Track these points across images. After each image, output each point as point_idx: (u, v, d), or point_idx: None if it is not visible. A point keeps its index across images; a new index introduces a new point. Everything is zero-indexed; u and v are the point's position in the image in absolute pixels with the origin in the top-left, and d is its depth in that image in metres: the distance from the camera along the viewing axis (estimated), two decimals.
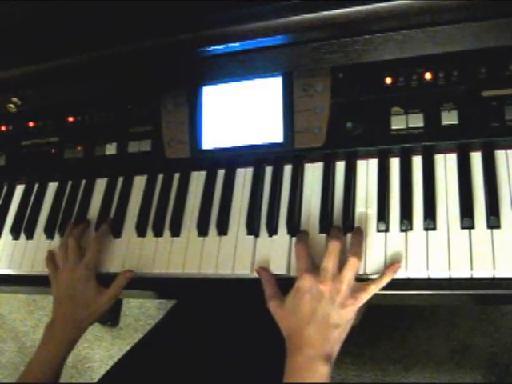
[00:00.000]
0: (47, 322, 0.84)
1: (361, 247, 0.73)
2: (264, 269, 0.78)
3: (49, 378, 0.79)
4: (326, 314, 0.68)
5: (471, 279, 0.70)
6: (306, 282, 0.70)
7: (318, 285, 0.69)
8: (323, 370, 0.66)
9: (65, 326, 0.82)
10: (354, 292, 0.70)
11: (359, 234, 0.75)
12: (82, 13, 0.87)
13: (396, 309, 1.42)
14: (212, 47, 0.80)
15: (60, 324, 0.83)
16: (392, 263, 0.72)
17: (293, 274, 0.77)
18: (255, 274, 0.79)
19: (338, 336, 0.68)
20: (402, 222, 0.75)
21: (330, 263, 0.70)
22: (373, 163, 0.81)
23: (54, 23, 0.89)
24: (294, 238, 0.79)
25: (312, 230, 0.79)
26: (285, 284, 0.75)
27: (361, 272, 0.73)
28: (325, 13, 0.72)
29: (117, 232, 0.91)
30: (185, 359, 0.86)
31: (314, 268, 0.72)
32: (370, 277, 0.73)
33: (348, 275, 0.70)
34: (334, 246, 0.71)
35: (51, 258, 0.91)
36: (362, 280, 0.72)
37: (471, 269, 0.69)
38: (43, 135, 1.02)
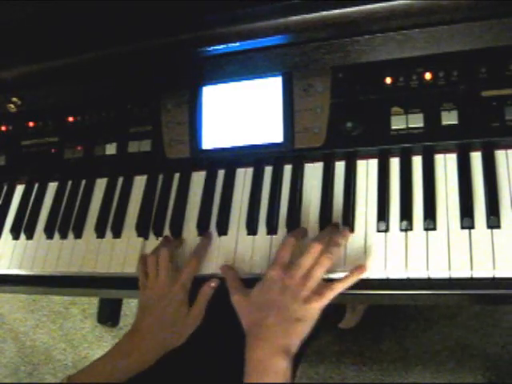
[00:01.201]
0: (127, 331, 0.79)
1: (337, 249, 0.73)
2: (227, 266, 0.79)
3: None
4: (288, 306, 0.69)
5: (471, 279, 0.70)
6: (274, 273, 0.71)
7: (286, 278, 0.70)
8: (282, 364, 0.66)
9: (151, 339, 0.77)
10: (320, 289, 0.70)
11: (342, 237, 0.75)
12: (81, 13, 0.87)
13: (396, 309, 1.42)
14: (212, 47, 0.80)
15: (143, 339, 0.77)
16: (359, 264, 0.73)
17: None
18: (255, 274, 0.79)
19: (299, 330, 0.68)
20: (401, 222, 0.75)
21: (305, 261, 0.71)
22: (373, 163, 0.81)
23: (54, 23, 0.89)
24: None
25: (312, 230, 0.79)
26: None
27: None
28: (325, 13, 0.72)
29: (117, 232, 0.91)
30: (185, 359, 0.85)
31: (289, 264, 0.73)
32: (370, 277, 0.74)
33: (317, 273, 0.71)
34: (316, 248, 0.72)
35: (143, 262, 0.84)
36: (363, 281, 0.73)
37: (471, 269, 0.69)
38: (43, 135, 1.02)
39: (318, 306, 0.70)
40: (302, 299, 0.69)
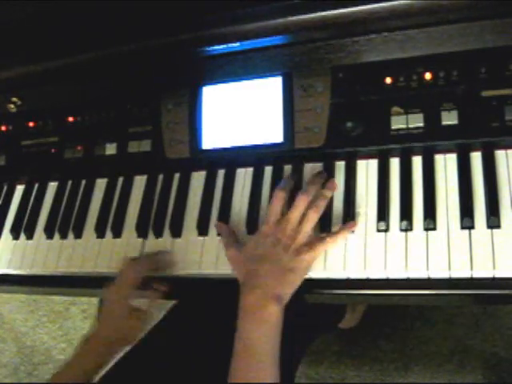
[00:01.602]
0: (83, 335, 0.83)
1: (324, 202, 0.76)
2: (222, 223, 0.83)
3: None
4: (280, 257, 0.73)
5: (471, 279, 0.70)
6: (268, 228, 0.75)
7: (277, 232, 0.74)
8: (273, 309, 0.69)
9: (111, 342, 0.81)
10: (310, 242, 0.74)
11: (328, 190, 0.78)
12: (81, 13, 0.87)
13: (396, 309, 1.42)
14: (212, 47, 0.80)
15: (107, 339, 0.81)
16: (348, 222, 0.76)
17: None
18: None
19: (291, 280, 0.72)
20: (401, 222, 0.75)
21: (293, 214, 0.74)
22: (373, 163, 0.81)
23: (54, 23, 0.89)
24: None
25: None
26: None
27: (362, 273, 0.74)
28: (325, 13, 0.72)
29: (117, 232, 0.91)
30: (185, 359, 0.86)
31: (281, 219, 0.75)
32: (370, 277, 0.74)
33: (306, 226, 0.74)
34: (302, 201, 0.75)
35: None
36: (363, 281, 0.73)
37: (471, 269, 0.69)
38: (43, 135, 1.02)
39: (308, 258, 0.73)
40: (293, 251, 0.73)
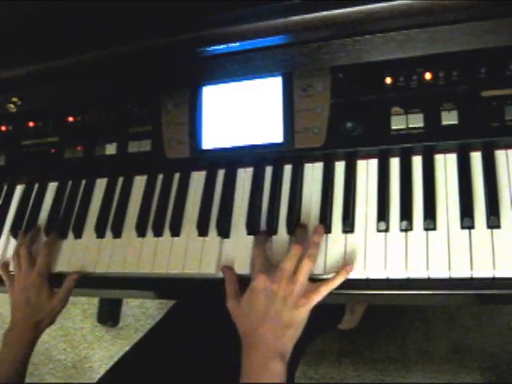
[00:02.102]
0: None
1: (316, 249, 0.74)
2: (228, 267, 0.80)
3: (12, 377, 0.83)
4: (279, 313, 0.70)
5: (471, 279, 0.70)
6: (260, 282, 0.72)
7: (272, 284, 0.71)
8: (278, 368, 0.68)
9: (23, 327, 0.86)
10: (307, 292, 0.72)
11: (317, 236, 0.76)
12: (81, 13, 0.87)
13: (396, 309, 1.42)
14: (212, 47, 0.80)
15: (18, 327, 0.86)
16: (344, 264, 0.74)
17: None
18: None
19: (291, 335, 0.70)
20: (401, 222, 0.75)
21: (287, 265, 0.72)
22: (373, 163, 0.81)
23: (54, 23, 0.89)
24: (294, 238, 0.79)
25: (311, 230, 0.79)
26: None
27: (362, 273, 0.74)
28: (325, 13, 0.72)
29: (117, 232, 0.91)
30: (185, 359, 0.86)
31: (269, 268, 0.74)
32: (370, 277, 0.74)
33: (301, 277, 0.72)
34: (296, 251, 0.73)
35: (5, 267, 0.94)
36: (363, 281, 0.73)
37: (471, 269, 0.69)
38: (43, 135, 1.02)
39: (305, 310, 0.71)
40: (290, 305, 0.71)
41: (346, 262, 0.74)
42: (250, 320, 0.72)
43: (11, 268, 0.93)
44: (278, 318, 0.70)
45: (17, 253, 0.92)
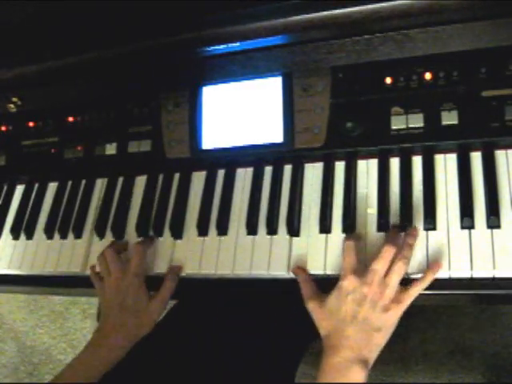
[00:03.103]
0: (95, 328, 0.83)
1: (411, 251, 0.71)
2: (301, 268, 0.77)
3: (90, 381, 0.78)
4: (367, 316, 0.67)
5: (471, 279, 0.70)
6: (350, 283, 0.69)
7: (363, 286, 0.68)
8: (359, 375, 0.65)
9: (116, 334, 0.80)
10: (397, 296, 0.68)
11: (412, 238, 0.72)
12: (81, 13, 0.87)
13: None
14: (212, 47, 0.80)
15: (111, 332, 0.81)
16: (433, 263, 0.71)
17: (292, 273, 0.77)
18: (255, 274, 0.79)
19: (378, 341, 0.67)
20: (401, 222, 0.74)
21: (379, 266, 0.68)
22: (373, 163, 0.81)
23: (54, 23, 0.89)
24: (293, 239, 0.80)
25: (312, 230, 0.79)
26: (284, 283, 0.75)
27: None
28: (325, 13, 0.72)
29: (117, 232, 0.91)
30: (185, 359, 0.86)
31: (360, 268, 0.70)
32: None
33: (394, 279, 0.68)
34: (389, 252, 0.69)
35: (95, 271, 0.88)
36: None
37: (471, 269, 0.69)
38: (43, 135, 1.02)
39: (396, 314, 0.68)
40: (381, 308, 0.67)
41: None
42: (335, 321, 0.68)
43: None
44: (366, 321, 0.67)
45: (102, 257, 0.86)
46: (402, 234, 0.74)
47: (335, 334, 0.68)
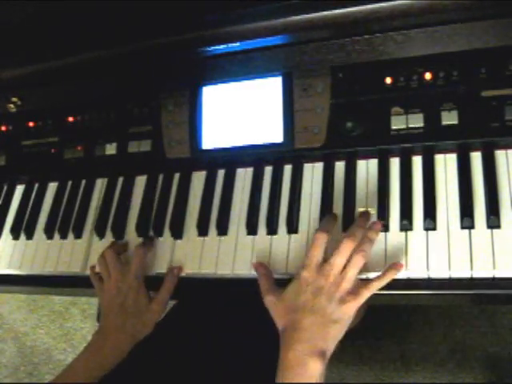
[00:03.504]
0: (95, 330, 0.84)
1: (370, 245, 0.71)
2: (260, 263, 0.78)
3: (91, 382, 0.78)
4: (324, 308, 0.67)
5: (471, 279, 0.70)
6: (308, 274, 0.69)
7: (320, 278, 0.68)
8: (316, 367, 0.65)
9: (117, 335, 0.81)
10: (356, 289, 0.69)
11: (373, 232, 0.72)
12: (81, 13, 0.87)
13: (396, 309, 1.42)
14: (212, 47, 0.80)
15: (111, 333, 0.81)
16: (395, 262, 0.71)
17: (291, 273, 0.77)
18: (255, 274, 0.79)
19: (335, 333, 0.67)
20: (401, 222, 0.75)
21: (337, 260, 0.69)
22: (373, 163, 0.81)
23: (54, 23, 0.89)
24: (293, 239, 0.79)
25: (312, 231, 0.79)
26: (283, 284, 0.75)
27: (362, 274, 0.73)
28: (325, 13, 0.73)
29: (117, 232, 0.91)
30: (185, 359, 0.85)
31: (321, 262, 0.70)
32: (370, 276, 0.73)
33: (351, 272, 0.68)
34: (348, 245, 0.69)
35: (95, 272, 0.88)
36: (361, 280, 0.72)
37: (471, 269, 0.69)
38: (43, 135, 1.02)
39: (353, 307, 0.68)
40: (338, 300, 0.68)
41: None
42: (292, 312, 0.69)
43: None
44: (323, 312, 0.67)
45: (102, 258, 0.86)
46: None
47: (291, 325, 0.68)
